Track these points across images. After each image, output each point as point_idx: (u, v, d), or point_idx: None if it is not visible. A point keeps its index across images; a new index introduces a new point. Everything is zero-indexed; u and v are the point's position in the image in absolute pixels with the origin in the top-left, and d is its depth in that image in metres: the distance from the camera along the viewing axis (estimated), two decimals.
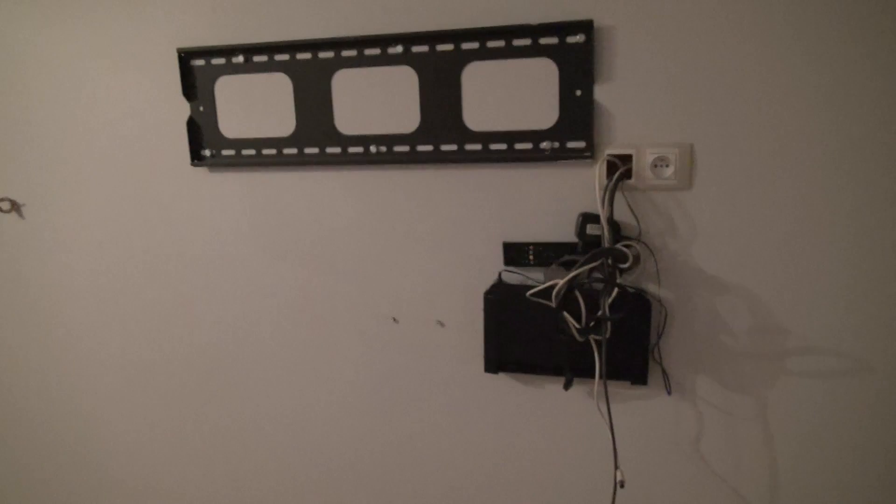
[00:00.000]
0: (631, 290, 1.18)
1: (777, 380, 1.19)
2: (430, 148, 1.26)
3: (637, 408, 1.27)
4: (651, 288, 1.21)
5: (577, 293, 1.12)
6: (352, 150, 1.30)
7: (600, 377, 1.18)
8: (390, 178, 1.30)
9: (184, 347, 1.52)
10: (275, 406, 1.50)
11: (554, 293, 1.12)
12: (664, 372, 1.23)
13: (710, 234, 1.17)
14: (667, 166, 1.16)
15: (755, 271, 1.16)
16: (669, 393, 1.24)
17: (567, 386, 1.24)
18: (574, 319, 1.16)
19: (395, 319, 1.37)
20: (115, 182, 1.46)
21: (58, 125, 1.46)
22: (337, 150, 1.31)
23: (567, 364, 1.22)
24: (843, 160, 1.09)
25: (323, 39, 1.26)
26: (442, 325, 1.34)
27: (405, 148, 1.27)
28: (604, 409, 1.20)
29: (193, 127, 1.38)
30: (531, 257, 1.25)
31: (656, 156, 1.15)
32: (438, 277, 1.32)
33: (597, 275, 1.15)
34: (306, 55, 1.28)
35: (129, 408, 1.61)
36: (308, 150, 1.32)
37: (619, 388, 1.26)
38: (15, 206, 1.56)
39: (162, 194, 1.44)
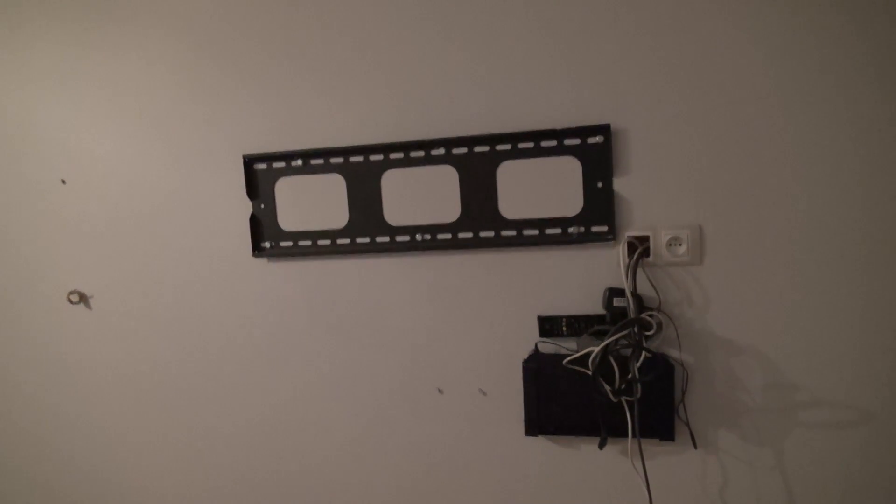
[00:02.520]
0: (656, 355, 1.33)
1: (791, 431, 1.33)
2: (469, 235, 1.43)
3: (666, 462, 1.40)
4: (672, 352, 1.36)
5: (611, 359, 1.27)
6: (399, 238, 1.47)
7: (633, 435, 1.32)
8: (434, 263, 1.47)
9: (242, 422, 1.65)
10: (334, 475, 1.61)
11: (591, 360, 1.27)
12: (689, 428, 1.36)
13: (722, 303, 1.33)
14: (680, 245, 1.33)
15: (765, 334, 1.32)
16: (695, 447, 1.37)
17: (602, 445, 1.37)
18: (607, 384, 1.30)
19: (440, 391, 1.50)
20: (184, 273, 1.62)
21: (133, 221, 1.64)
22: (386, 238, 1.48)
23: (601, 424, 1.36)
24: (836, 233, 1.26)
25: (373, 144, 1.45)
26: (484, 393, 1.48)
27: (448, 235, 1.44)
28: (638, 464, 1.33)
29: (255, 222, 1.55)
30: (564, 328, 1.40)
31: (670, 236, 1.33)
32: (480, 350, 1.47)
33: (624, 342, 1.30)
34: (358, 158, 1.47)
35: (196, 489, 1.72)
36: (360, 240, 1.49)
37: (648, 446, 1.39)
38: (83, 298, 1.71)
39: (226, 282, 1.60)
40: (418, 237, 1.46)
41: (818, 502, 1.34)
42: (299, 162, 1.51)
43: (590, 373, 1.29)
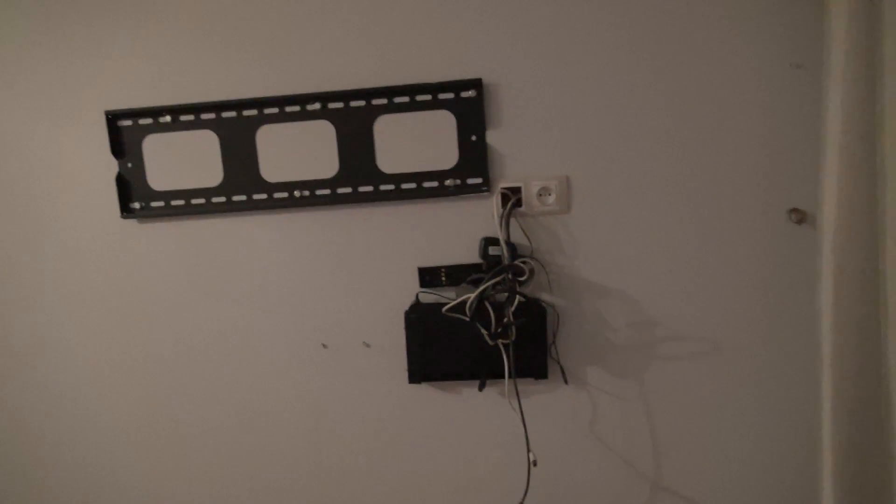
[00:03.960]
0: (529, 299, 1.40)
1: (651, 364, 1.45)
2: (348, 190, 1.44)
3: (541, 399, 1.49)
4: (544, 296, 1.45)
5: (487, 304, 1.33)
6: (277, 195, 1.46)
7: (510, 376, 1.39)
8: (314, 219, 1.47)
9: (122, 395, 1.59)
10: (223, 437, 1.60)
11: (468, 306, 1.32)
12: (561, 366, 1.46)
13: (589, 248, 1.42)
14: (549, 195, 1.40)
15: (627, 276, 1.42)
16: (566, 383, 1.47)
17: (481, 387, 1.44)
18: (484, 328, 1.37)
19: (325, 346, 1.52)
20: (46, 241, 1.53)
21: None
22: (263, 196, 1.46)
23: (480, 368, 1.42)
24: (691, 181, 1.38)
25: (247, 99, 1.42)
26: (368, 346, 1.51)
27: (326, 191, 1.44)
28: (514, 403, 1.41)
29: (122, 182, 1.48)
30: (443, 278, 1.45)
31: (540, 186, 1.39)
32: (363, 303, 1.49)
33: (499, 288, 1.37)
34: (231, 113, 1.43)
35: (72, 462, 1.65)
36: (236, 198, 1.46)
37: (524, 385, 1.47)
38: None
39: (94, 246, 1.52)
40: (297, 193, 1.45)
41: (676, 426, 1.48)
42: (167, 118, 1.45)
43: (468, 319, 1.35)
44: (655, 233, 1.40)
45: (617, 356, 1.46)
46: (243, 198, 1.46)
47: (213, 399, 1.58)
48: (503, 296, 1.36)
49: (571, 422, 1.50)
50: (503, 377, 1.40)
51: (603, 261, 1.43)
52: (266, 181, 1.45)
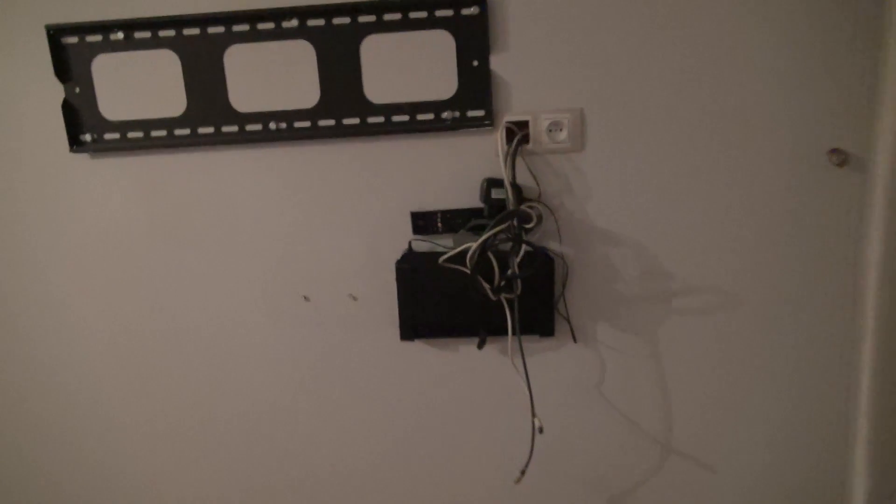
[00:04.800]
0: (536, 248, 1.26)
1: (666, 319, 1.32)
2: (331, 122, 1.26)
3: (547, 358, 1.36)
4: (552, 245, 1.30)
5: (490, 255, 1.18)
6: (250, 127, 1.27)
7: (513, 333, 1.25)
8: (292, 155, 1.29)
9: (75, 348, 1.43)
10: (193, 398, 1.45)
11: (468, 257, 1.17)
12: (569, 322, 1.32)
13: (602, 192, 1.26)
14: (560, 130, 1.24)
15: (642, 223, 1.27)
16: (575, 341, 1.34)
17: (481, 345, 1.30)
18: (486, 282, 1.22)
19: (306, 298, 1.36)
20: None
21: None
22: (234, 128, 1.27)
23: (480, 324, 1.28)
24: (718, 119, 1.22)
25: (212, 14, 1.22)
26: (354, 298, 1.35)
27: (306, 123, 1.26)
28: (518, 363, 1.27)
29: (70, 110, 1.28)
30: (439, 224, 1.29)
31: (550, 121, 1.23)
32: (348, 251, 1.33)
33: (503, 236, 1.21)
34: (194, 31, 1.23)
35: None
36: (202, 130, 1.28)
37: (528, 342, 1.33)
38: None
39: (40, 186, 1.33)
40: (272, 126, 1.27)
41: (690, 386, 1.36)
42: (120, 35, 1.24)
43: (468, 271, 1.20)
44: (676, 175, 1.25)
45: (629, 310, 1.32)
46: (210, 130, 1.28)
47: (179, 359, 1.42)
48: (507, 245, 1.21)
49: (578, 382, 1.37)
50: (505, 334, 1.26)
51: (617, 206, 1.27)
52: (236, 111, 1.26)
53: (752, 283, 1.29)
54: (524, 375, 1.26)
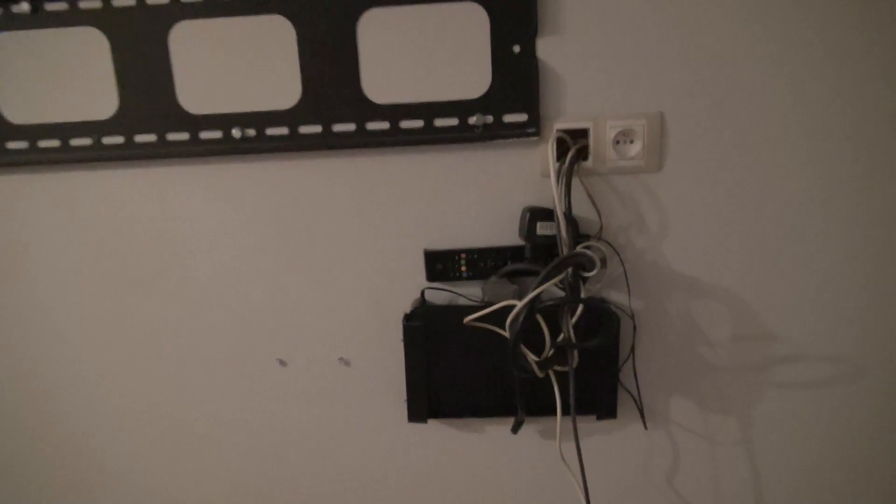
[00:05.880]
0: (595, 302, 0.93)
1: (763, 394, 0.99)
2: (317, 129, 0.92)
3: (604, 445, 1.02)
4: (614, 297, 0.97)
5: (540, 317, 0.85)
6: (205, 135, 0.93)
7: (564, 413, 0.92)
8: (264, 173, 0.95)
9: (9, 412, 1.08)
10: (135, 480, 1.11)
11: (510, 319, 0.83)
12: (638, 402, 0.99)
13: (685, 227, 0.93)
14: (632, 142, 0.90)
15: (738, 269, 0.94)
16: (646, 427, 1.00)
17: (516, 429, 0.96)
18: (528, 349, 0.88)
19: (281, 362, 1.02)
20: None
21: None
22: (184, 135, 0.93)
23: (519, 403, 0.95)
24: (847, 137, 0.89)
25: None
26: (347, 363, 1.02)
27: (283, 130, 0.92)
28: (569, 451, 0.94)
29: None
30: (463, 268, 0.95)
31: (620, 129, 0.89)
32: (339, 303, 0.99)
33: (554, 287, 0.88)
34: (128, 1, 0.89)
35: None
36: (140, 138, 0.93)
37: (581, 424, 1.01)
38: None
39: None
40: (235, 133, 0.92)
41: (790, 482, 1.03)
42: (25, 7, 0.90)
43: (506, 335, 0.87)
44: (786, 207, 0.92)
45: (715, 383, 0.99)
46: (151, 138, 0.93)
47: (119, 429, 1.08)
48: (554, 299, 0.88)
49: (646, 474, 1.04)
50: (549, 414, 0.93)
51: (705, 245, 0.94)
52: (187, 113, 0.92)
53: (877, 349, 0.97)
54: (579, 469, 0.92)
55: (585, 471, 0.96)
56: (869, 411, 0.99)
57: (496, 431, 1.02)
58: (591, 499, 0.96)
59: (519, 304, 0.82)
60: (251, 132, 0.92)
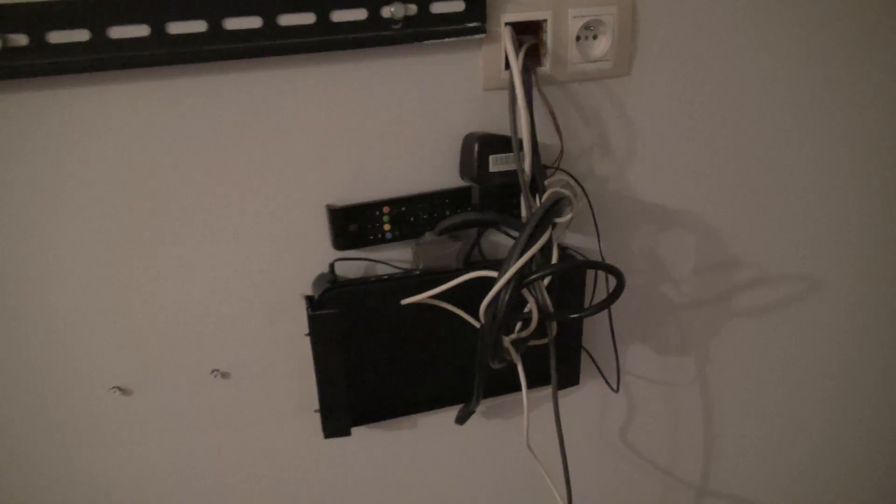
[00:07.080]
0: (574, 258, 0.72)
1: (722, 327, 0.88)
2: (143, 30, 0.57)
3: (567, 415, 0.85)
4: (573, 240, 0.77)
5: (528, 291, 0.61)
6: None
7: (530, 387, 0.72)
8: (66, 101, 0.58)
9: None
10: None
11: (488, 300, 0.59)
12: (617, 362, 0.82)
13: (654, 148, 0.75)
14: (595, 38, 0.68)
15: (707, 194, 0.79)
16: (616, 390, 0.84)
17: (463, 419, 0.75)
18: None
19: (120, 389, 0.69)
20: None
21: None
22: None
23: (478, 389, 0.72)
24: (819, 42, 0.75)
25: None
26: (223, 375, 0.71)
27: (84, 36, 0.56)
28: (535, 438, 0.75)
29: None
30: (386, 226, 0.68)
31: (586, 20, 0.66)
32: (204, 294, 0.67)
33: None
34: None
35: None
36: None
37: (534, 393, 0.82)
38: None
39: None
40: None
41: (752, 413, 0.95)
42: None
43: (476, 323, 0.63)
44: (760, 121, 0.77)
45: (677, 320, 0.86)
46: None
47: None
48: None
49: (617, 436, 0.89)
50: (500, 392, 0.74)
51: (675, 169, 0.76)
52: None
53: (834, 264, 0.89)
54: (562, 455, 0.73)
55: (539, 452, 0.78)
56: (824, 329, 0.93)
57: (441, 424, 0.80)
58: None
59: (501, 279, 0.58)
60: (21, 39, 0.54)
